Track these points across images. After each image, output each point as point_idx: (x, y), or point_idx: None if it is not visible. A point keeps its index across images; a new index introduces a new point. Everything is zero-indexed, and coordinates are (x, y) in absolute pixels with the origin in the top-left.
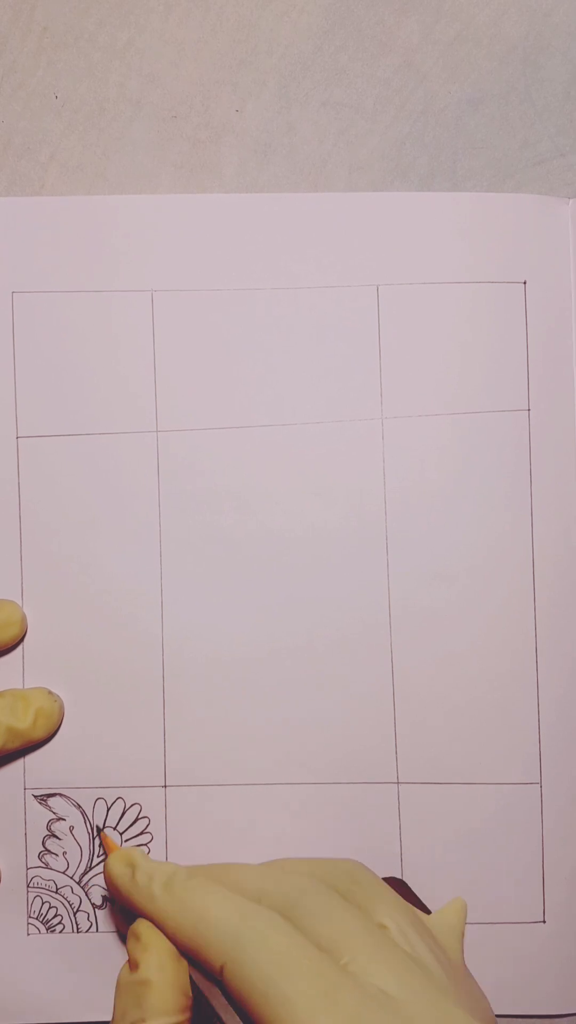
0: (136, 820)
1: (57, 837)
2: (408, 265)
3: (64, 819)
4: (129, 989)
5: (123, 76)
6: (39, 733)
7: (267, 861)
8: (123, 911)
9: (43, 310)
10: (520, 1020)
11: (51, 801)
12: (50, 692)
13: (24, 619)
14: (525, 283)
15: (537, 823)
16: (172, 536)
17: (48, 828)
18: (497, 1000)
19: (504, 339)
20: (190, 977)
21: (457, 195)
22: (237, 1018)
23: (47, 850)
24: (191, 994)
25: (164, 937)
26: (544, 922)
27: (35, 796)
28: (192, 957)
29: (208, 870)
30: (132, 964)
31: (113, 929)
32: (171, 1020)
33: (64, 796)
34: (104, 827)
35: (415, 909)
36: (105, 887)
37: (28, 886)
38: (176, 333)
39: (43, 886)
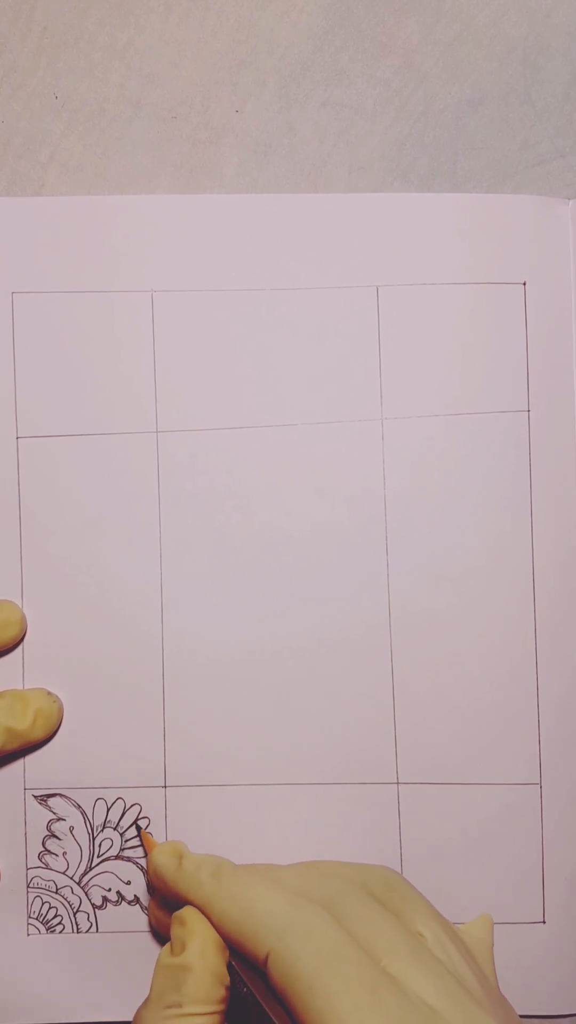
0: (136, 820)
1: (57, 837)
2: (408, 266)
3: (64, 819)
4: (169, 972)
5: (123, 76)
6: (38, 734)
7: (301, 862)
8: (165, 903)
9: (43, 310)
10: (521, 1020)
11: (51, 801)
12: (49, 693)
13: (24, 619)
14: (525, 284)
15: (537, 823)
16: (172, 536)
17: (48, 828)
18: None
19: (504, 340)
20: (230, 966)
21: (457, 196)
22: (280, 1008)
23: (47, 850)
24: (228, 986)
25: (209, 925)
26: (544, 922)
27: (35, 796)
28: (236, 946)
29: (253, 866)
30: (175, 948)
31: (114, 930)
32: (208, 1009)
33: (64, 796)
34: (107, 826)
35: (448, 922)
36: (146, 878)
37: (28, 886)
38: (176, 333)
39: (43, 886)
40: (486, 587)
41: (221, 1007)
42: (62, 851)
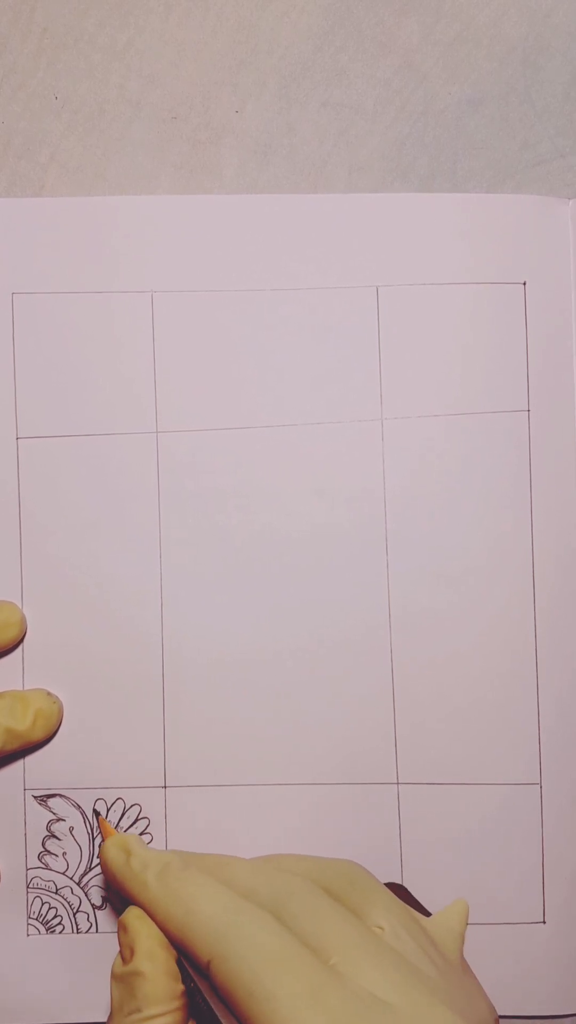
0: (136, 820)
1: (57, 838)
2: (408, 266)
3: (64, 820)
4: (123, 980)
5: (123, 77)
6: (38, 734)
7: (262, 856)
8: (120, 898)
9: (43, 310)
10: (520, 1020)
11: (51, 802)
12: (49, 693)
13: (23, 620)
14: (525, 284)
15: (537, 823)
16: (172, 536)
17: (48, 829)
18: (497, 1000)
19: (504, 340)
20: (182, 966)
21: (457, 196)
22: (227, 1011)
23: (47, 851)
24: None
25: (154, 926)
26: (544, 922)
27: (35, 797)
28: (180, 949)
29: (203, 861)
30: (124, 955)
31: (113, 930)
32: (166, 1008)
33: (64, 797)
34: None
35: (413, 911)
36: (103, 886)
37: (28, 887)
38: (176, 333)
39: (43, 887)
40: (486, 587)
41: (180, 1002)
42: (62, 851)
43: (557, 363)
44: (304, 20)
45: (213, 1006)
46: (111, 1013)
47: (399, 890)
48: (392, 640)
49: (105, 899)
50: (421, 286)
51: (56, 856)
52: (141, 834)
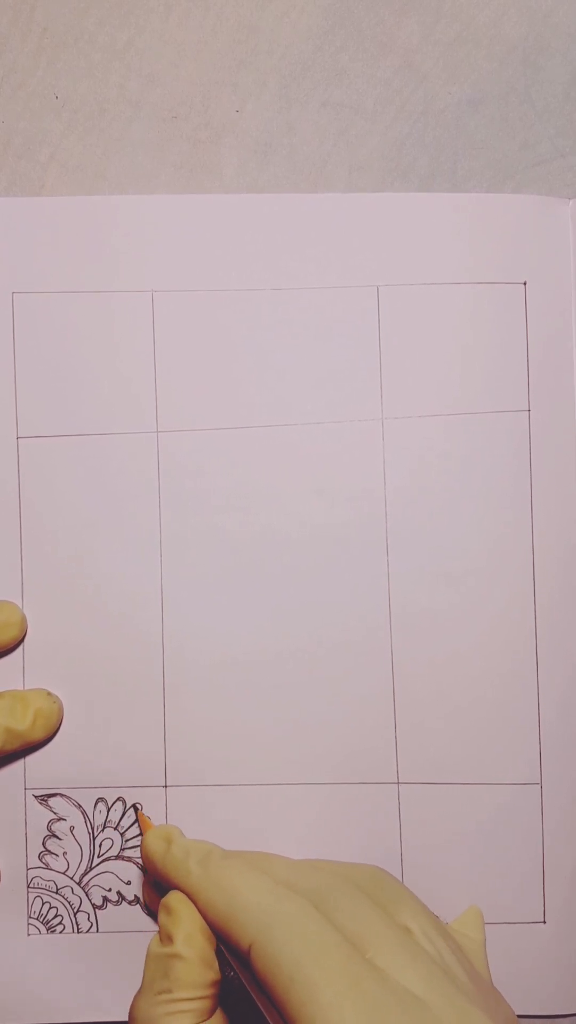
0: (136, 820)
1: (57, 837)
2: (408, 266)
3: (64, 819)
4: (158, 960)
5: (123, 76)
6: (38, 734)
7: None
8: (157, 886)
9: (43, 310)
10: (520, 1020)
11: (51, 801)
12: (49, 693)
13: (24, 620)
14: (525, 284)
15: (537, 823)
16: (172, 536)
17: (48, 828)
18: None
19: (504, 340)
20: (219, 952)
21: (457, 196)
22: (266, 1001)
23: (47, 850)
24: (219, 970)
25: (196, 911)
26: (544, 922)
27: (35, 796)
28: (221, 935)
29: (242, 854)
30: (163, 936)
31: (114, 930)
32: (197, 994)
33: (64, 796)
34: (107, 825)
35: (438, 918)
36: (144, 877)
37: (28, 886)
38: (176, 333)
39: (43, 886)
40: (487, 587)
41: (211, 991)
42: (62, 851)
43: (557, 363)
44: (304, 20)
45: (254, 994)
46: (141, 989)
47: None
48: (392, 640)
49: (106, 899)
50: (421, 286)
51: (56, 856)
52: (141, 834)
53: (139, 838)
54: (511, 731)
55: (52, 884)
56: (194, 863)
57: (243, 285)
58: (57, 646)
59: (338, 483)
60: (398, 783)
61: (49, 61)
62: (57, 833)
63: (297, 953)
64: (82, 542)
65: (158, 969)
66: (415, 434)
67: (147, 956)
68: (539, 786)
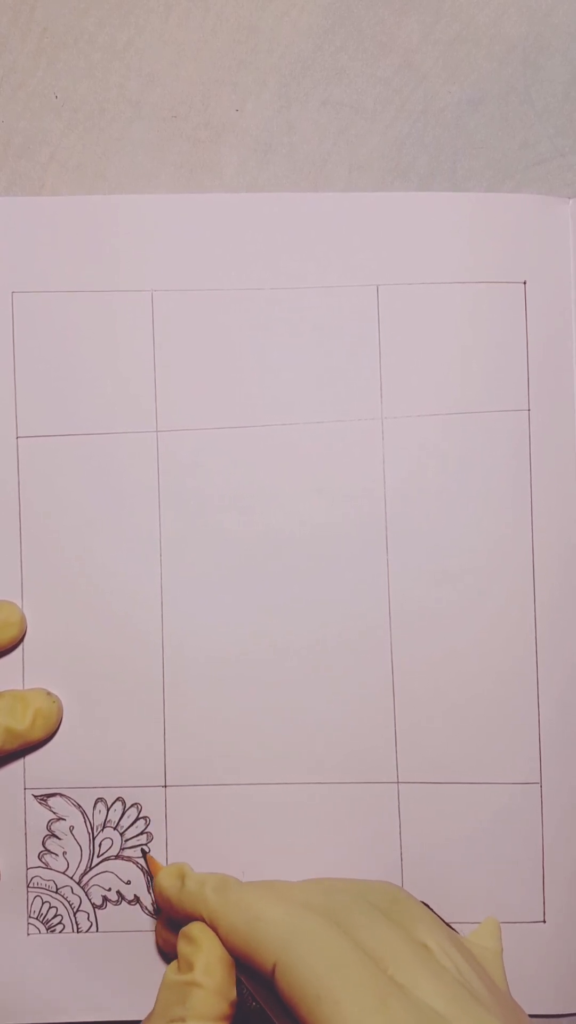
0: (136, 820)
1: (57, 837)
2: (408, 265)
3: (64, 819)
4: (175, 988)
5: (123, 76)
6: (38, 734)
7: (305, 880)
8: (171, 925)
9: (43, 310)
10: None
11: (51, 801)
12: (48, 693)
13: (23, 620)
14: (525, 283)
15: (537, 823)
16: (172, 536)
17: (48, 828)
18: None
19: (504, 339)
20: (239, 983)
21: (457, 195)
22: (289, 1022)
23: (47, 850)
24: (235, 1002)
25: (217, 942)
26: (544, 922)
27: (35, 796)
28: (243, 959)
29: (257, 882)
30: (182, 965)
31: (114, 929)
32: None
33: (64, 796)
34: (107, 825)
35: (454, 931)
36: (152, 896)
37: (28, 886)
38: (176, 333)
39: (43, 886)
40: (486, 585)
41: (226, 1023)
42: (62, 851)
43: (557, 363)
44: (304, 19)
45: (276, 1019)
46: (152, 1014)
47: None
48: (392, 638)
49: (106, 899)
50: (421, 285)
51: (56, 855)
52: (140, 834)
53: (139, 838)
54: (511, 730)
55: (52, 884)
56: (211, 891)
57: (243, 284)
58: (57, 646)
59: (338, 482)
60: (398, 782)
61: (49, 61)
62: (57, 833)
63: (322, 970)
64: (82, 541)
65: (173, 996)
66: (415, 433)
67: (162, 983)
68: (539, 785)
